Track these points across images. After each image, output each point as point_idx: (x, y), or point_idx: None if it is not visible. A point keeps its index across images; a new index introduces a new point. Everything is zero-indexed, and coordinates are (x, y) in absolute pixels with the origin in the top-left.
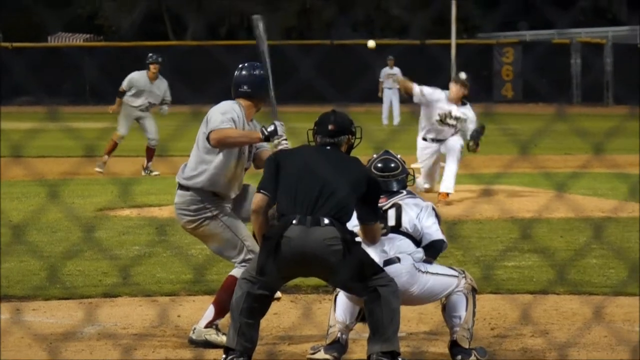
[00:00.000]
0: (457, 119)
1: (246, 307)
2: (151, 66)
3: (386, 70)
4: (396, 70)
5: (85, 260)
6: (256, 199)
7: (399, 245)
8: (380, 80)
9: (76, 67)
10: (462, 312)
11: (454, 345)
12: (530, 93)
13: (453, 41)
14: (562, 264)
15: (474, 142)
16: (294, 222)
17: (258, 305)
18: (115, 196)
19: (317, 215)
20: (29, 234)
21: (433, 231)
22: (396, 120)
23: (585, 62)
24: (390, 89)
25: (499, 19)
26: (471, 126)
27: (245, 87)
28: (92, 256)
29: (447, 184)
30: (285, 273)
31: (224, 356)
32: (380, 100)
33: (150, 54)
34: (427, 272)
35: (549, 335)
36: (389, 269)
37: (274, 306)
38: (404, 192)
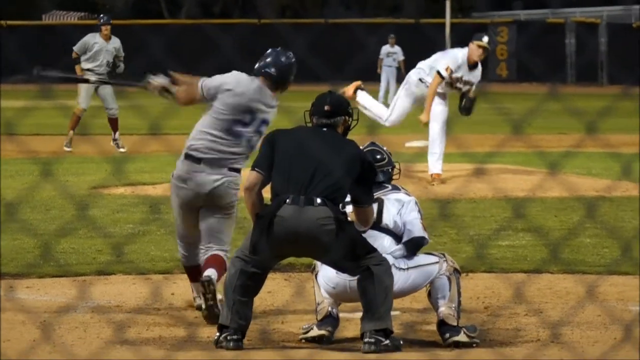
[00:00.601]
0: (466, 83)
1: (240, 284)
2: (103, 27)
3: (387, 48)
4: (397, 49)
5: (79, 238)
6: (250, 177)
7: (378, 244)
8: (380, 57)
9: (70, 45)
10: (446, 292)
11: (442, 324)
12: (524, 72)
13: (447, 20)
14: (556, 243)
15: (466, 113)
16: (287, 201)
17: (252, 283)
18: (109, 174)
19: (311, 195)
20: (22, 212)
21: (414, 227)
22: (391, 99)
23: (579, 42)
24: (389, 67)
25: None
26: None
27: (273, 70)
28: (86, 234)
29: (436, 165)
30: (277, 252)
31: (217, 334)
32: (376, 79)
33: (101, 15)
34: (407, 269)
35: (543, 314)
36: None
37: (268, 284)
38: (389, 187)
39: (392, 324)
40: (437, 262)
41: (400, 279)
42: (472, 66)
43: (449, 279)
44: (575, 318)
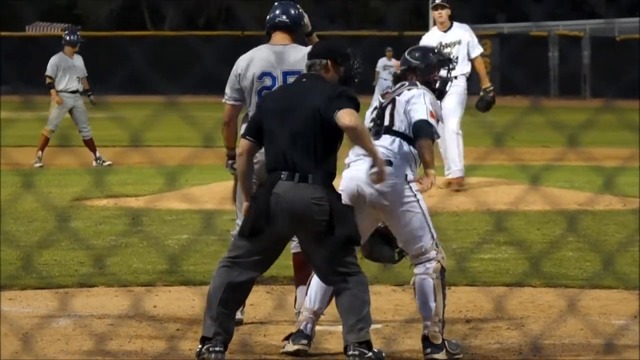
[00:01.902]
0: (449, 45)
1: (224, 297)
2: (66, 47)
3: (384, 61)
4: (394, 62)
5: (61, 250)
6: (242, 144)
7: (392, 148)
8: (377, 70)
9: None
10: (432, 302)
11: (426, 339)
12: (507, 85)
13: None
14: (538, 257)
15: (484, 107)
16: (282, 177)
17: (236, 295)
18: (91, 186)
19: (302, 168)
20: (5, 223)
21: (417, 112)
22: None
23: (562, 55)
24: (386, 80)
25: (477, 11)
26: (473, 49)
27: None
28: (68, 246)
29: (457, 165)
30: (273, 232)
31: (200, 346)
32: (367, 92)
33: (65, 33)
34: (417, 200)
35: (525, 327)
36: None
37: (250, 297)
38: (406, 84)
39: (371, 337)
40: (432, 241)
41: (403, 196)
42: (446, 30)
43: (434, 284)
44: (557, 332)
